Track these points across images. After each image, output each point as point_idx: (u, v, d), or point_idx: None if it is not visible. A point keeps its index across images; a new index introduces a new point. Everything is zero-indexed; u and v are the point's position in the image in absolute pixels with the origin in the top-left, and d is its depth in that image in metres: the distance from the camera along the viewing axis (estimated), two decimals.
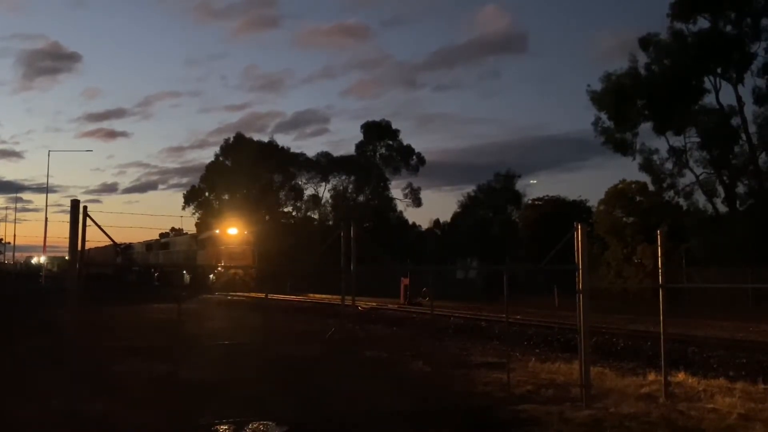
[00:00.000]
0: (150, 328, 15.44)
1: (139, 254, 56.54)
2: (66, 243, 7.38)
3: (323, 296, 31.92)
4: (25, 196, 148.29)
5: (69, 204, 7.34)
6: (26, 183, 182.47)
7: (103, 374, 9.24)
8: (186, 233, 58.48)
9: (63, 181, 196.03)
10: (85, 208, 7.38)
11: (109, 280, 47.05)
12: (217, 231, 44.24)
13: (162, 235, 57.35)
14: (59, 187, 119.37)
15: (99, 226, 7.96)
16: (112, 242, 9.43)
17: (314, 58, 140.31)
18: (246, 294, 32.20)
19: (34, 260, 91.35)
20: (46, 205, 76.99)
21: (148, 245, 55.60)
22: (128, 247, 57.14)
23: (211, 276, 40.37)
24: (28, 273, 73.52)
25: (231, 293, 34.28)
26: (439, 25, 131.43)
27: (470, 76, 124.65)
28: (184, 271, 44.37)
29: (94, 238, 8.42)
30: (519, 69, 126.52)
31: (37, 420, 7.02)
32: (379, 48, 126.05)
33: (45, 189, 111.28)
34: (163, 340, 11.90)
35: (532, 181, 56.40)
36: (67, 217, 7.30)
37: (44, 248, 57.83)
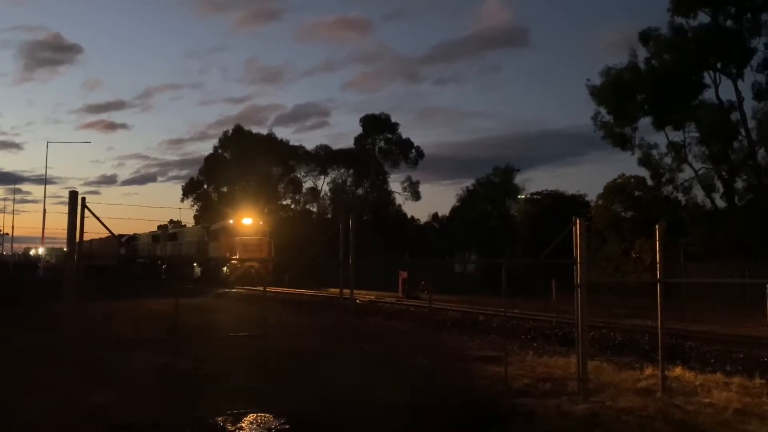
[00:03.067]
0: (150, 322, 15.43)
1: (144, 246, 54.63)
2: (65, 234, 7.36)
3: (329, 289, 31.93)
4: (25, 187, 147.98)
5: (68, 195, 7.32)
6: (26, 174, 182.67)
7: (101, 367, 9.24)
8: (185, 225, 57.89)
9: (62, 172, 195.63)
10: (83, 199, 7.36)
11: (112, 272, 46.35)
12: (231, 221, 41.77)
13: (161, 227, 56.55)
14: (58, 178, 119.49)
15: (97, 218, 7.95)
16: (110, 234, 9.42)
17: (315, 51, 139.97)
18: (246, 288, 31.74)
19: (32, 252, 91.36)
20: (45, 197, 77.30)
21: (155, 236, 53.56)
22: (132, 238, 55.59)
23: (225, 269, 38.61)
24: (26, 264, 73.51)
25: (229, 287, 33.54)
26: (440, 19, 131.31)
27: (471, 70, 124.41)
28: (195, 264, 42.85)
29: (96, 230, 8.42)
30: (519, 63, 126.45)
31: (35, 412, 7.02)
32: (380, 41, 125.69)
33: (44, 180, 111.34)
34: (162, 333, 11.91)
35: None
36: (66, 209, 7.29)
37: (42, 239, 57.78)
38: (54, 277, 40.58)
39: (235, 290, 31.35)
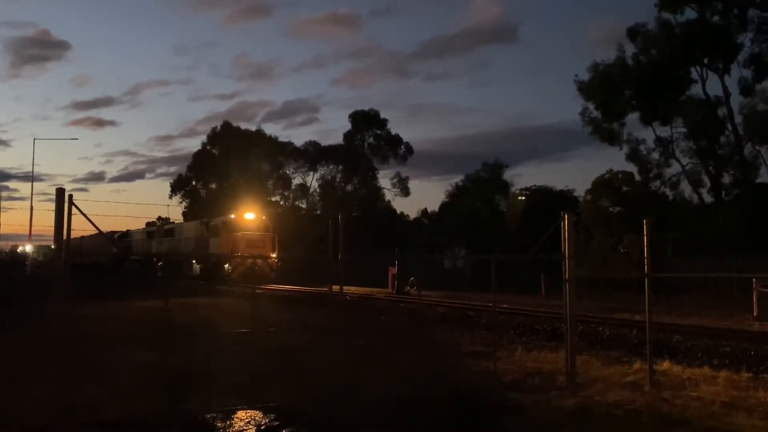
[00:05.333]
0: (142, 320, 15.38)
1: (138, 242, 52.66)
2: (53, 232, 7.33)
3: (319, 286, 31.87)
4: (12, 184, 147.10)
5: (55, 192, 7.29)
6: (13, 171, 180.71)
7: (91, 364, 9.20)
8: (174, 221, 57.35)
9: (50, 169, 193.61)
10: (70, 196, 7.33)
11: (104, 270, 45.28)
12: (233, 216, 40.06)
13: (149, 223, 55.78)
14: (46, 175, 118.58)
15: (84, 215, 7.91)
16: (98, 231, 9.36)
17: (305, 48, 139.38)
18: (242, 285, 31.22)
19: (19, 249, 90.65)
20: (32, 194, 76.31)
21: (149, 232, 51.86)
22: (125, 234, 54.23)
23: (227, 266, 37.23)
24: (13, 262, 72.92)
25: (230, 285, 32.76)
26: (430, 15, 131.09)
27: (461, 65, 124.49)
28: (194, 261, 41.50)
29: (84, 227, 8.39)
30: (509, 59, 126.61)
31: (25, 409, 6.99)
32: (371, 37, 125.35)
33: (31, 177, 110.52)
34: (155, 331, 11.86)
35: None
36: (54, 206, 7.25)
37: (30, 237, 57.24)
38: (42, 274, 40.21)
39: (235, 288, 30.96)
